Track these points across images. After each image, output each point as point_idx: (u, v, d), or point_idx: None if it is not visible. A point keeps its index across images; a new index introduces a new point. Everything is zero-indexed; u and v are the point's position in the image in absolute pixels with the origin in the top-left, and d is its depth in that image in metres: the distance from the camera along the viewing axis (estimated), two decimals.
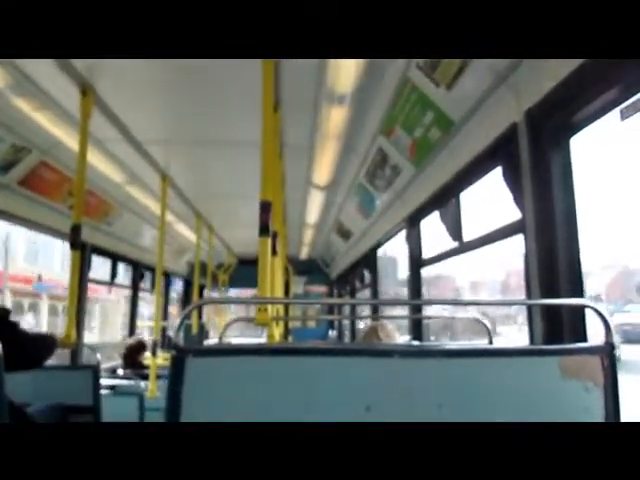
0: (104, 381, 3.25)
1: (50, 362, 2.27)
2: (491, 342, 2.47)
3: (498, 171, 2.09)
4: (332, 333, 8.73)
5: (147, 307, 10.53)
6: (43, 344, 2.10)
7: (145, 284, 6.29)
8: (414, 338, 3.47)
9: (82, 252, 3.65)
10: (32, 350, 2.00)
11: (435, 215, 3.04)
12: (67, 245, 2.63)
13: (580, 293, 1.69)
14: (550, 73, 1.62)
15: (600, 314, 1.22)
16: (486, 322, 2.55)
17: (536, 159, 1.79)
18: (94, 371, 2.76)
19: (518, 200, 1.93)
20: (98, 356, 2.90)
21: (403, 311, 4.60)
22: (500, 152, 2.05)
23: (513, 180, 1.96)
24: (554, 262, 1.71)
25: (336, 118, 2.71)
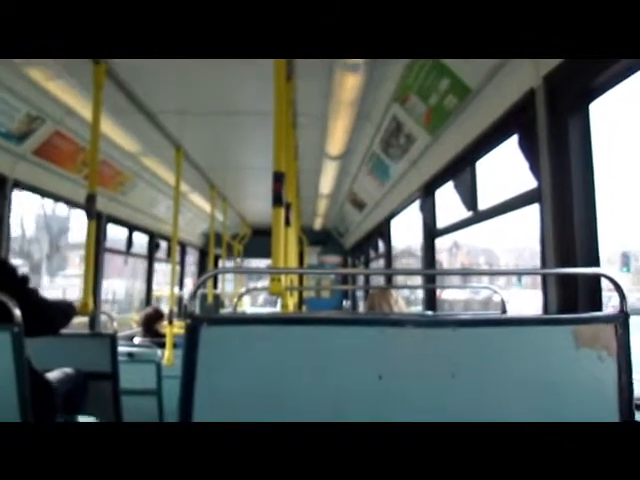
0: (122, 348, 3.31)
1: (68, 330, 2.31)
2: (504, 312, 2.46)
3: (514, 140, 2.05)
4: (346, 303, 8.78)
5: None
6: (61, 310, 2.14)
7: (160, 254, 6.35)
8: (428, 308, 3.48)
9: (98, 222, 3.68)
10: (50, 315, 2.03)
11: (449, 185, 3.01)
12: None
13: (596, 262, 1.67)
14: None
15: (615, 283, 1.21)
16: (500, 292, 2.54)
17: (554, 126, 1.75)
18: (112, 339, 2.80)
19: (534, 169, 1.89)
20: (115, 324, 2.94)
21: (417, 281, 4.60)
22: (516, 119, 2.01)
23: (529, 148, 1.92)
24: (570, 231, 1.69)
25: (350, 86, 2.66)
